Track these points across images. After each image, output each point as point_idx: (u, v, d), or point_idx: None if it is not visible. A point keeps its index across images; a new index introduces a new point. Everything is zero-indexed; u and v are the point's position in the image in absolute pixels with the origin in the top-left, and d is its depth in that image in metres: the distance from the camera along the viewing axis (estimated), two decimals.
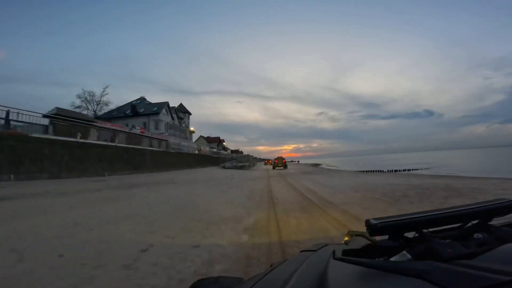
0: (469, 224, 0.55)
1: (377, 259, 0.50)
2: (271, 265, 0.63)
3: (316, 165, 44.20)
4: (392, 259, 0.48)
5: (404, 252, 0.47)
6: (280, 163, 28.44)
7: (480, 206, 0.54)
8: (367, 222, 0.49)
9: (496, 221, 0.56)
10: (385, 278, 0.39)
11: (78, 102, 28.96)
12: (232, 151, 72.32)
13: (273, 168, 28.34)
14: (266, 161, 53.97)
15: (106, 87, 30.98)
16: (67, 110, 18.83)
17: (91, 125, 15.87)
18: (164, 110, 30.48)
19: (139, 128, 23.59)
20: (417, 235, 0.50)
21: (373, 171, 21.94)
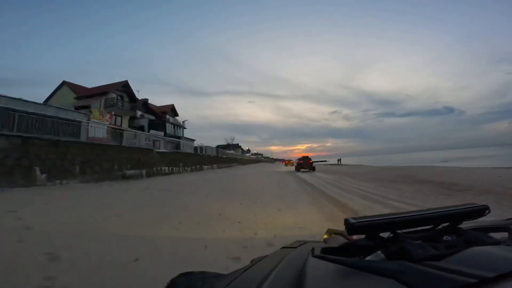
0: (440, 227, 0.57)
1: (353, 258, 0.51)
2: (251, 261, 0.66)
3: None
4: (367, 258, 0.49)
5: (379, 252, 0.49)
6: (305, 164, 21.98)
7: (451, 210, 0.56)
8: (346, 221, 0.51)
9: (465, 225, 0.58)
10: (359, 277, 0.40)
11: None
12: (220, 146, 44.05)
13: (297, 170, 21.86)
14: (286, 162, 44.40)
15: None
16: None
17: None
18: None
19: None
20: (391, 235, 0.52)
21: None
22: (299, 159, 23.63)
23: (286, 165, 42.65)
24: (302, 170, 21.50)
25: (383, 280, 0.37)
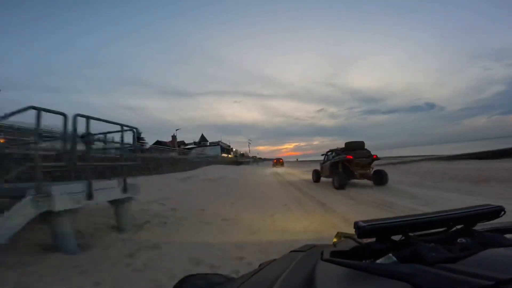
0: (454, 229, 0.56)
1: (364, 261, 0.51)
2: (260, 265, 0.64)
3: None
4: (378, 261, 0.48)
5: (390, 254, 0.48)
6: (360, 163, 7.74)
7: (465, 211, 0.55)
8: (356, 224, 0.50)
9: (480, 226, 0.57)
10: (370, 280, 0.40)
11: None
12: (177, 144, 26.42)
13: (338, 184, 7.42)
14: (274, 161, 33.33)
15: None
16: None
17: None
18: None
19: None
20: (403, 238, 0.51)
21: None
22: (338, 150, 9.01)
23: (274, 165, 32.20)
24: (352, 179, 8.22)
25: (395, 283, 0.37)
